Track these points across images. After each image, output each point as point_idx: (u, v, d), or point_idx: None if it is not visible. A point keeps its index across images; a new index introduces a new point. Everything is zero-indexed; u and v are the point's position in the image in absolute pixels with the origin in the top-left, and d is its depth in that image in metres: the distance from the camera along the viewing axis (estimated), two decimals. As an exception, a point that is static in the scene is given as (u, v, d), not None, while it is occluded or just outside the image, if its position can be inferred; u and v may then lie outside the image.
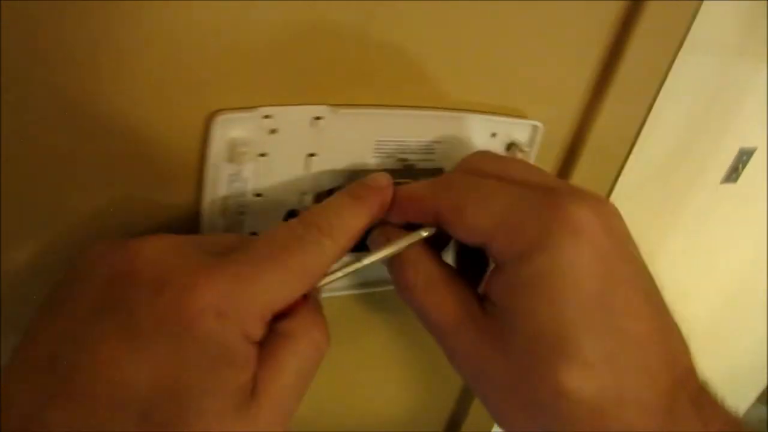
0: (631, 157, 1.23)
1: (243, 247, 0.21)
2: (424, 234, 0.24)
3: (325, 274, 0.22)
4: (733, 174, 1.70)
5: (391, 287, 0.25)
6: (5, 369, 0.19)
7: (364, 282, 0.31)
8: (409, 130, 0.27)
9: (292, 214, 0.27)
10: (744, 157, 1.66)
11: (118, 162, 0.22)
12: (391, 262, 0.25)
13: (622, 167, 0.34)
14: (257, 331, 0.20)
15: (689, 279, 1.67)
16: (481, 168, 0.24)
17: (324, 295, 0.30)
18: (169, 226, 0.25)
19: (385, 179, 0.24)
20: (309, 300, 0.23)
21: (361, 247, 0.24)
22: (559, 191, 0.22)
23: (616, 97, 0.30)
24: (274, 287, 0.20)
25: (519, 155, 0.29)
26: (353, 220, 0.23)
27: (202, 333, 0.18)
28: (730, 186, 1.68)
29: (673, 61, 0.31)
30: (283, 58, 0.23)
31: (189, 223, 0.25)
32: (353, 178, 0.27)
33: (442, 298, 0.23)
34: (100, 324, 0.18)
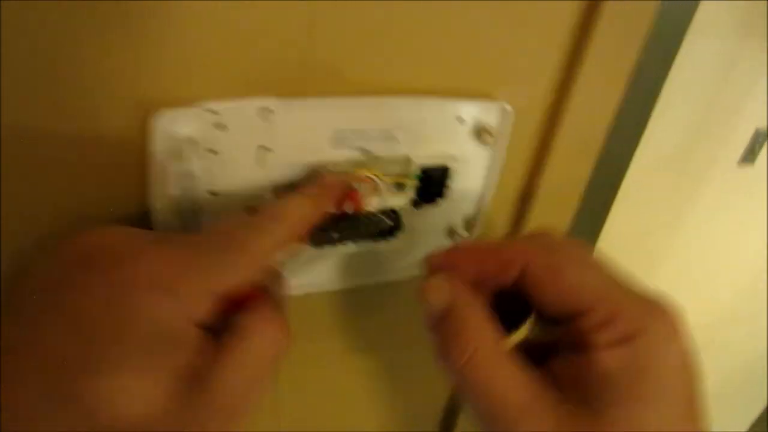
0: (642, 141, 1.20)
1: (196, 234, 0.21)
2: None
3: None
4: (750, 155, 1.66)
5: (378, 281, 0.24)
6: None
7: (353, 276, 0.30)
8: (368, 119, 0.26)
9: (251, 211, 0.26)
10: (760, 138, 1.63)
11: (61, 166, 0.22)
12: (442, 325, 0.22)
13: (600, 151, 0.32)
14: (203, 312, 0.20)
15: (710, 263, 1.64)
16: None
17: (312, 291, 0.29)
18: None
19: (335, 179, 0.25)
20: (269, 297, 0.23)
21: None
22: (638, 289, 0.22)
23: (589, 76, 0.29)
24: (220, 267, 0.20)
25: (488, 140, 0.28)
26: (302, 210, 0.23)
27: (149, 309, 0.18)
28: (747, 167, 1.64)
29: (645, 37, 0.29)
30: (232, 49, 0.22)
31: (142, 226, 0.24)
32: (312, 169, 0.26)
33: (511, 373, 0.20)
34: (44, 307, 0.18)
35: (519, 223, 0.34)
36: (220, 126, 0.23)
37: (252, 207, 0.26)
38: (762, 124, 1.56)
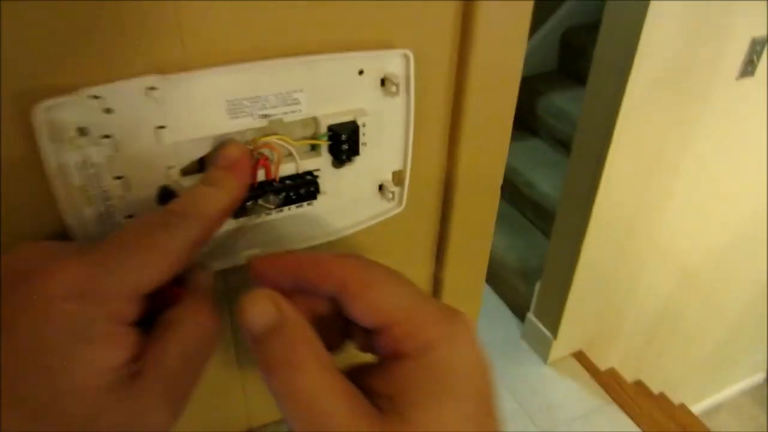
0: (636, 63, 1.17)
1: (107, 239, 0.22)
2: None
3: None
4: (749, 67, 1.60)
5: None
6: None
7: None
8: (262, 84, 0.26)
9: (164, 190, 0.27)
10: (758, 47, 1.56)
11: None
12: (266, 343, 0.22)
13: (516, 88, 0.31)
14: (127, 311, 0.21)
15: (718, 180, 1.60)
16: None
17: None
18: (38, 230, 0.25)
19: (237, 151, 0.25)
20: (194, 288, 0.24)
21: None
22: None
23: (489, 11, 0.28)
24: (139, 268, 0.21)
25: (393, 89, 0.28)
26: (213, 206, 0.24)
27: (62, 315, 0.19)
28: (747, 80, 1.59)
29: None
30: (96, 29, 0.22)
31: (56, 224, 0.25)
32: (217, 142, 0.26)
33: (337, 381, 0.21)
34: None
35: (452, 170, 0.33)
36: (108, 110, 0.23)
37: (165, 187, 0.26)
38: (759, 33, 1.50)
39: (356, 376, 0.22)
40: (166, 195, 0.27)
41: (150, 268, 0.21)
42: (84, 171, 0.24)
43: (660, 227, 1.65)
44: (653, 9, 1.22)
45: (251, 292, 0.22)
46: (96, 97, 0.23)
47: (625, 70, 1.31)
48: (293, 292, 0.23)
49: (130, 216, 0.26)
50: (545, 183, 2.08)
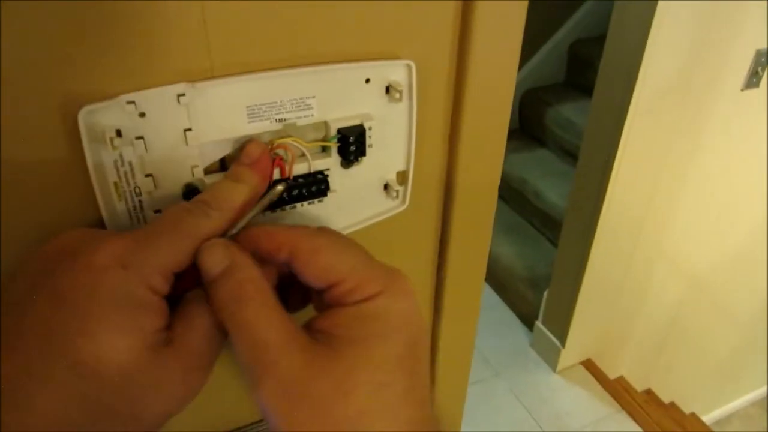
0: (641, 74, 1.19)
1: (150, 222, 0.26)
2: (280, 188, 0.27)
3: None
4: (754, 78, 1.61)
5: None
6: None
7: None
8: (279, 91, 0.29)
9: (189, 187, 0.29)
10: (762, 58, 1.57)
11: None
12: (217, 279, 0.24)
13: (512, 95, 0.34)
14: (160, 284, 0.24)
15: (725, 188, 1.61)
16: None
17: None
18: (76, 220, 0.28)
19: (258, 149, 0.28)
20: None
21: None
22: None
23: (484, 26, 0.31)
24: (169, 248, 0.24)
25: (397, 96, 0.30)
26: (237, 199, 0.27)
27: (107, 282, 0.22)
28: (752, 91, 1.59)
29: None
30: (137, 41, 0.25)
31: (90, 214, 0.28)
32: (238, 144, 0.29)
33: (276, 315, 0.24)
34: (31, 294, 0.23)
35: (452, 171, 0.36)
36: (142, 114, 0.26)
37: (189, 184, 0.29)
38: (762, 45, 1.51)
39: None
40: (190, 192, 0.29)
41: (179, 248, 0.24)
42: (118, 169, 0.27)
43: (667, 235, 1.66)
44: (658, 20, 1.24)
45: (209, 242, 0.25)
46: (132, 103, 0.26)
47: (630, 80, 1.33)
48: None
49: (158, 211, 0.29)
50: (553, 192, 2.10)
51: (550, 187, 2.12)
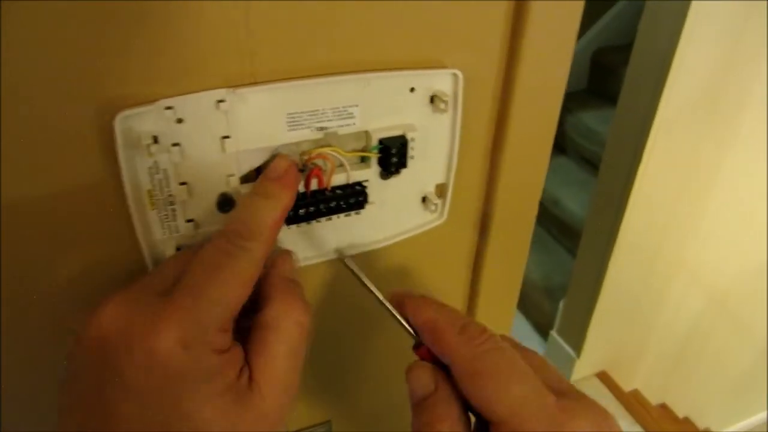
0: (668, 84, 1.16)
1: (185, 275, 0.23)
2: None
3: None
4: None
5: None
6: None
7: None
8: (321, 99, 0.27)
9: (224, 197, 0.28)
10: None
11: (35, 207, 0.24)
12: (420, 407, 0.25)
13: (559, 105, 0.32)
14: (223, 341, 0.23)
15: (749, 201, 1.57)
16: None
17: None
18: (104, 235, 0.27)
19: (285, 163, 0.27)
20: (280, 281, 0.26)
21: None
22: (570, 396, 0.24)
23: (536, 33, 0.29)
24: (219, 303, 0.23)
25: (442, 106, 0.29)
26: (270, 217, 0.25)
27: (178, 366, 0.21)
28: (781, 102, 1.52)
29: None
30: (177, 45, 0.24)
31: (122, 228, 0.27)
32: (274, 152, 0.28)
33: None
34: (104, 392, 0.22)
35: (492, 185, 0.34)
36: (179, 120, 0.25)
37: (224, 194, 0.28)
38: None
39: None
40: (225, 202, 0.28)
41: (232, 296, 0.23)
42: (153, 176, 0.26)
43: (689, 248, 1.63)
44: (688, 29, 1.22)
45: (419, 364, 0.25)
46: (170, 108, 0.25)
47: (657, 90, 1.30)
48: None
49: (190, 220, 0.28)
50: (572, 201, 2.07)
51: (569, 195, 2.09)
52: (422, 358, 0.26)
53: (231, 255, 0.24)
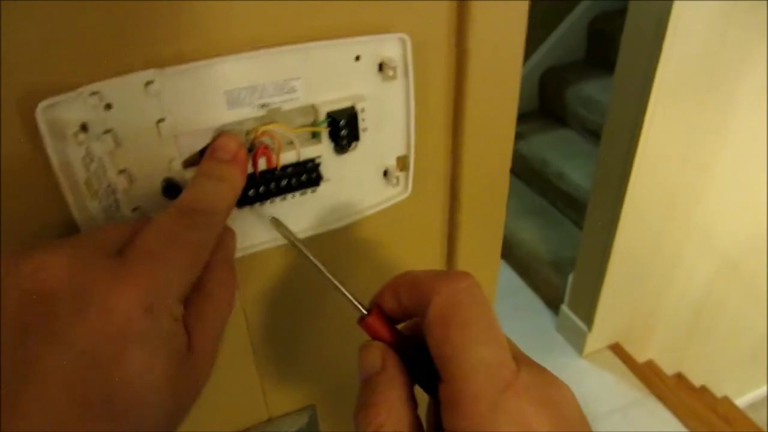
0: (665, 48, 1.14)
1: (140, 239, 0.23)
2: None
3: None
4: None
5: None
6: None
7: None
8: (259, 73, 0.26)
9: (168, 182, 0.27)
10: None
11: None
12: (367, 386, 0.24)
13: (519, 73, 0.31)
14: (180, 310, 0.23)
15: (758, 164, 1.54)
16: None
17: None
18: (45, 224, 0.26)
19: (233, 143, 0.26)
20: (221, 251, 0.26)
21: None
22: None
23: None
24: (179, 273, 0.23)
25: (390, 74, 0.28)
26: (225, 198, 0.25)
27: (139, 331, 0.21)
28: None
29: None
30: (96, 27, 0.23)
31: (63, 222, 0.26)
32: (216, 133, 0.27)
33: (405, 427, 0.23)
34: (33, 346, 0.20)
35: (458, 154, 0.33)
36: (108, 106, 0.24)
37: (168, 179, 0.27)
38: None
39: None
40: (170, 187, 0.27)
41: (191, 269, 0.23)
42: (88, 166, 0.25)
43: (698, 213, 1.60)
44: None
45: (370, 344, 0.25)
46: (95, 94, 0.23)
47: (654, 54, 1.27)
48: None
49: (135, 209, 0.27)
50: (576, 173, 2.04)
51: (574, 167, 2.06)
52: (371, 335, 0.25)
53: (188, 228, 0.23)
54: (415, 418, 0.23)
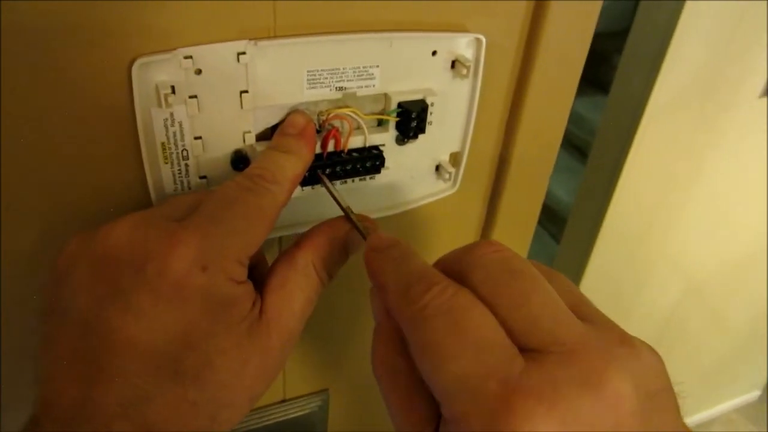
0: (663, 71, 1.15)
1: (202, 206, 0.23)
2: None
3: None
4: (773, 85, 1.56)
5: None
6: (42, 371, 0.21)
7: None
8: (342, 57, 0.27)
9: (238, 154, 0.27)
10: (784, 65, 1.53)
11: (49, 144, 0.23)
12: (383, 249, 0.23)
13: (577, 78, 0.32)
14: (241, 272, 0.22)
15: (733, 195, 1.59)
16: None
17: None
18: (116, 186, 0.26)
19: (303, 119, 0.27)
20: (323, 232, 0.26)
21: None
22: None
23: (561, 4, 0.29)
24: (243, 236, 0.22)
25: (463, 72, 0.29)
26: (292, 168, 0.25)
27: (194, 288, 0.21)
28: (768, 99, 1.54)
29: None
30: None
31: (134, 180, 0.26)
32: (291, 111, 0.27)
33: (407, 402, 0.21)
34: (103, 312, 0.20)
35: (506, 155, 0.34)
36: (198, 71, 0.24)
37: (239, 151, 0.27)
38: (784, 54, 1.48)
39: None
40: (239, 159, 0.28)
41: (252, 233, 0.23)
42: (168, 129, 0.25)
43: (672, 239, 1.65)
44: (685, 18, 1.22)
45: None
46: (189, 57, 0.24)
47: (650, 79, 1.31)
48: None
49: (203, 177, 0.27)
50: (559, 187, 2.08)
51: (557, 182, 2.09)
52: None
53: (252, 191, 0.23)
54: None
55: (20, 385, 0.28)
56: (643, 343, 0.20)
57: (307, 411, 0.42)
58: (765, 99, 1.48)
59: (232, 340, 0.21)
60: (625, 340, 0.20)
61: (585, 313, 0.21)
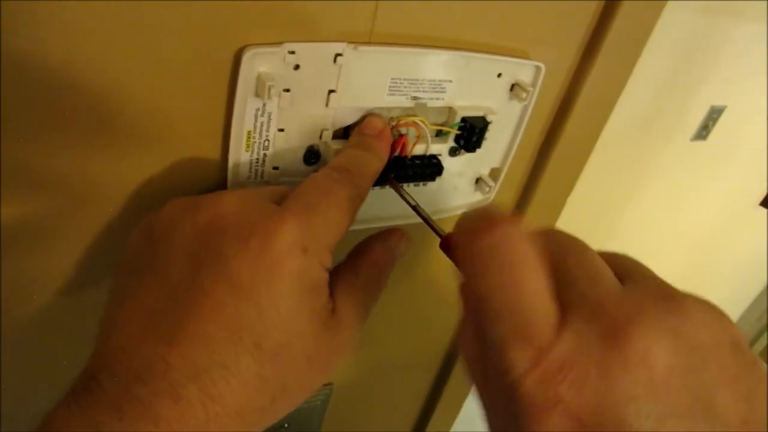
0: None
1: (296, 193, 0.24)
2: None
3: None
4: (703, 131, 1.74)
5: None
6: (108, 325, 0.21)
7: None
8: (423, 69, 0.28)
9: (311, 149, 0.28)
10: (714, 114, 1.70)
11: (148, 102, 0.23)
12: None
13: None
14: (329, 261, 0.23)
15: (658, 233, 1.71)
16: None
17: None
18: (194, 169, 0.26)
19: (380, 122, 0.28)
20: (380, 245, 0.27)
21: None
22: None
23: (612, 42, 0.32)
24: (333, 223, 0.23)
25: (522, 96, 0.31)
26: (373, 166, 0.27)
27: (293, 267, 0.21)
28: (700, 143, 1.72)
29: (661, 12, 0.33)
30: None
31: (213, 164, 0.26)
32: (368, 114, 0.29)
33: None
34: (199, 277, 0.21)
35: (536, 173, 0.37)
36: (297, 67, 0.25)
37: (312, 146, 0.28)
38: (719, 102, 1.63)
39: None
40: (311, 154, 0.29)
41: (342, 222, 0.24)
42: (258, 118, 0.26)
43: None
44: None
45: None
46: (292, 53, 0.25)
47: (608, 112, 1.38)
48: None
49: (276, 167, 0.28)
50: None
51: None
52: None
53: (341, 183, 0.24)
54: None
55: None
56: (693, 297, 0.18)
57: (308, 404, 0.43)
58: (695, 143, 1.62)
59: (312, 326, 0.22)
60: (667, 295, 0.18)
61: (626, 270, 0.20)
